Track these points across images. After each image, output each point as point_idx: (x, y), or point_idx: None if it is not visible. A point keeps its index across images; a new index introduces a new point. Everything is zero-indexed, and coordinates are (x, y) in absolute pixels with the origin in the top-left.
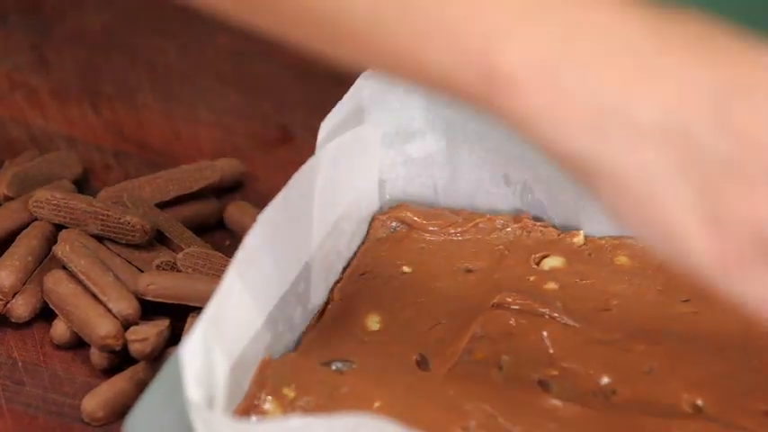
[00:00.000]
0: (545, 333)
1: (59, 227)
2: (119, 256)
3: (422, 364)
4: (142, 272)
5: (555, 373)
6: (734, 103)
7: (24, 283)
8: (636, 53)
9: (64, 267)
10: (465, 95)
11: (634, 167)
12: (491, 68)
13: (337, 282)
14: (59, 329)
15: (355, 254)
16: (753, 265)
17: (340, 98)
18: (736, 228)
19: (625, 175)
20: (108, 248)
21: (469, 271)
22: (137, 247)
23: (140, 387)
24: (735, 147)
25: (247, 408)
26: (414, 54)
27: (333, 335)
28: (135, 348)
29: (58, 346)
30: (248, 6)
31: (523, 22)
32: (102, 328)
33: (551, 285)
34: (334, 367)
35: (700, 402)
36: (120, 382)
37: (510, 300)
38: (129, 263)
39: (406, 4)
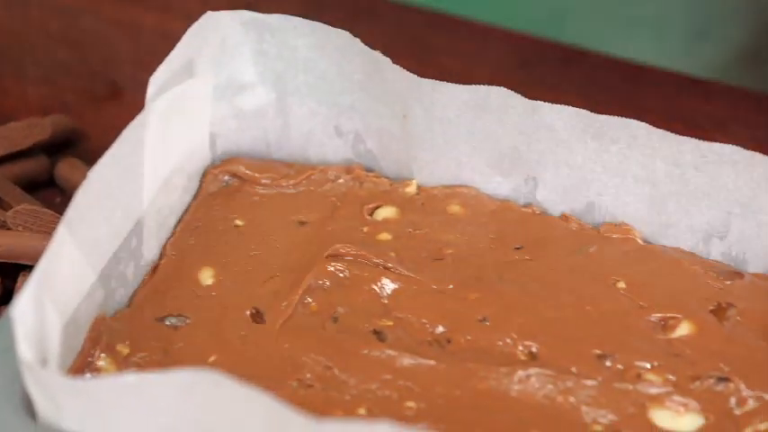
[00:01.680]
0: (379, 284)
1: None
2: None
3: (256, 317)
4: None
5: (389, 323)
6: None
7: None
8: None
9: None
10: None
11: None
12: None
13: (170, 237)
14: None
15: (188, 208)
16: None
17: (169, 53)
18: None
19: None
20: None
21: (303, 223)
22: None
23: None
24: None
25: (81, 365)
26: None
27: (166, 290)
28: None
29: None
30: None
31: None
32: None
33: (385, 236)
34: (168, 323)
35: (534, 349)
36: None
37: (344, 251)
38: None
39: None
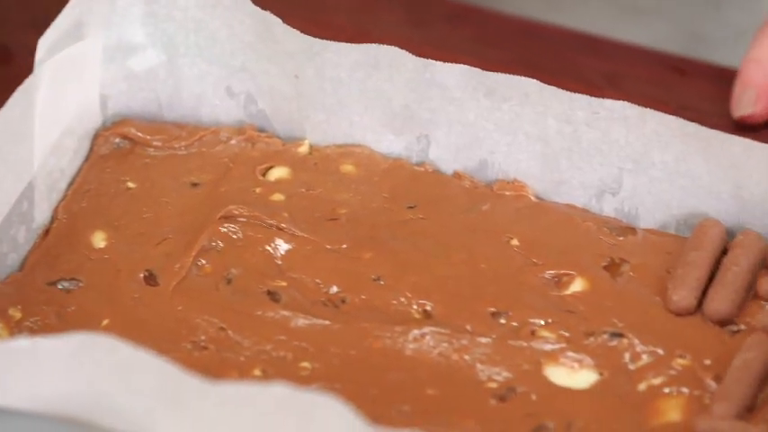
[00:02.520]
0: (273, 244)
1: None
2: None
3: (150, 279)
4: None
5: (284, 283)
6: None
7: None
8: None
9: None
10: None
11: None
12: None
13: (62, 200)
14: None
15: (79, 171)
16: None
17: (58, 15)
18: None
19: None
20: None
21: (195, 185)
22: None
23: None
24: None
25: None
26: None
27: (58, 254)
28: None
29: None
30: None
31: None
32: None
33: (278, 196)
34: (60, 286)
35: (429, 307)
36: None
37: (237, 212)
38: None
39: None
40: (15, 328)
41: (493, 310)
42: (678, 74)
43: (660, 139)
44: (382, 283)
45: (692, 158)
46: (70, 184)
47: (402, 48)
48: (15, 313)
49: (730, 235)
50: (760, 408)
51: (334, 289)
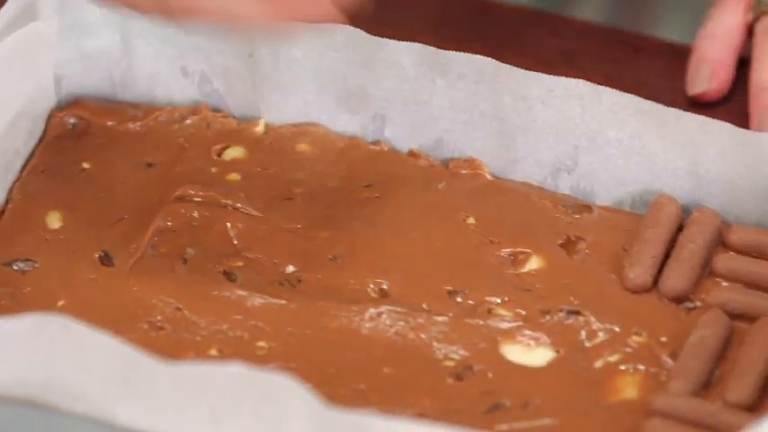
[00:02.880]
0: (229, 224)
1: None
2: None
3: (105, 260)
4: None
5: (240, 263)
6: None
7: None
8: None
9: None
10: None
11: None
12: None
13: (16, 181)
14: None
15: (34, 152)
16: None
17: None
18: None
19: None
20: None
21: (150, 165)
22: None
23: None
24: None
25: None
26: None
27: (13, 235)
28: None
29: None
30: None
31: None
32: None
33: (233, 176)
34: (15, 267)
35: (385, 286)
36: None
37: (192, 192)
38: None
39: None
40: None
41: (449, 288)
42: (633, 51)
43: (615, 117)
44: (338, 262)
45: (648, 136)
46: (25, 165)
47: (357, 27)
48: None
49: (686, 212)
50: (716, 384)
51: (291, 268)
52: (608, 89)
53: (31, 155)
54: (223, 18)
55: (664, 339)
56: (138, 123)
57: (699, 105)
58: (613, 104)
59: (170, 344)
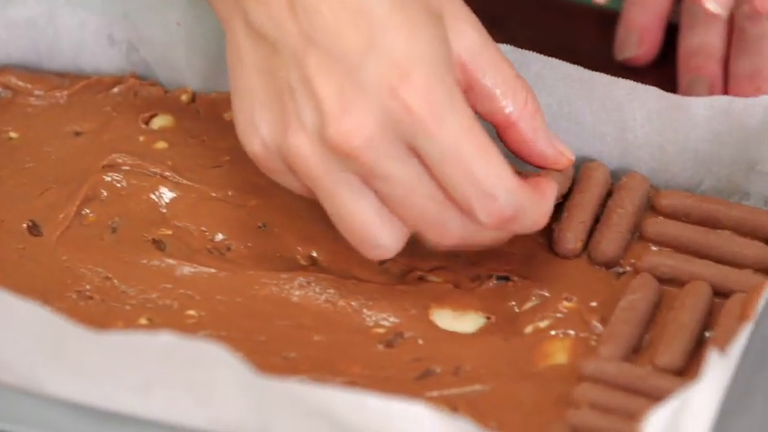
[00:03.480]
0: (157, 193)
1: None
2: None
3: (33, 230)
4: None
5: (169, 232)
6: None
7: None
8: None
9: None
10: None
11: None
12: None
13: None
14: None
15: None
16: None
17: None
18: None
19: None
20: None
21: (78, 134)
22: None
23: None
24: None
25: None
26: None
27: None
28: None
29: None
30: None
31: None
32: None
33: (161, 144)
34: None
35: (315, 254)
36: None
37: (120, 161)
38: None
39: None
40: None
41: None
42: (561, 16)
43: (544, 83)
44: (267, 230)
45: (576, 101)
46: None
47: None
48: None
49: (615, 177)
50: (646, 349)
51: (220, 237)
52: (536, 55)
53: None
54: (465, 245)
55: (594, 304)
56: (65, 92)
57: (627, 70)
58: (541, 69)
59: (99, 313)
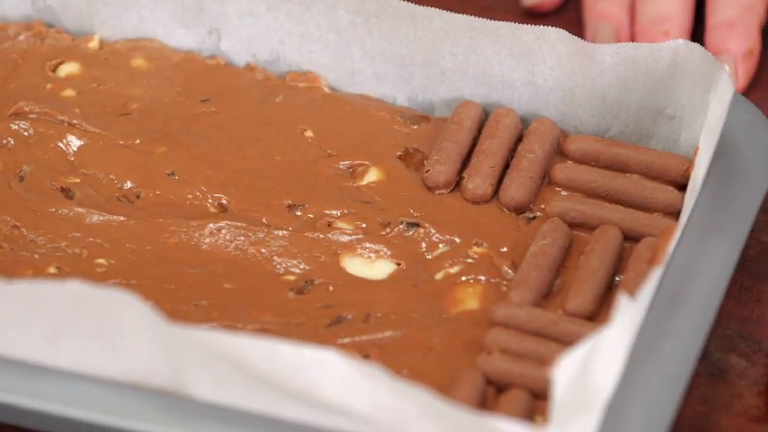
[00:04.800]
0: (65, 141)
1: None
2: None
3: None
4: None
5: (77, 180)
6: None
7: None
8: None
9: None
10: None
11: None
12: None
13: None
14: None
15: None
16: None
17: None
18: None
19: None
20: None
21: None
22: None
23: None
24: None
25: None
26: None
27: None
28: None
29: None
30: None
31: None
32: None
33: (69, 92)
34: None
35: (224, 201)
36: None
37: (27, 109)
38: None
39: None
40: None
41: (289, 202)
42: None
43: (448, 36)
44: (177, 177)
45: (482, 50)
46: None
47: None
48: None
49: (525, 123)
50: (556, 294)
51: (129, 184)
52: (438, 11)
53: None
54: None
55: (504, 250)
56: None
57: (534, 16)
58: (444, 24)
59: (7, 262)
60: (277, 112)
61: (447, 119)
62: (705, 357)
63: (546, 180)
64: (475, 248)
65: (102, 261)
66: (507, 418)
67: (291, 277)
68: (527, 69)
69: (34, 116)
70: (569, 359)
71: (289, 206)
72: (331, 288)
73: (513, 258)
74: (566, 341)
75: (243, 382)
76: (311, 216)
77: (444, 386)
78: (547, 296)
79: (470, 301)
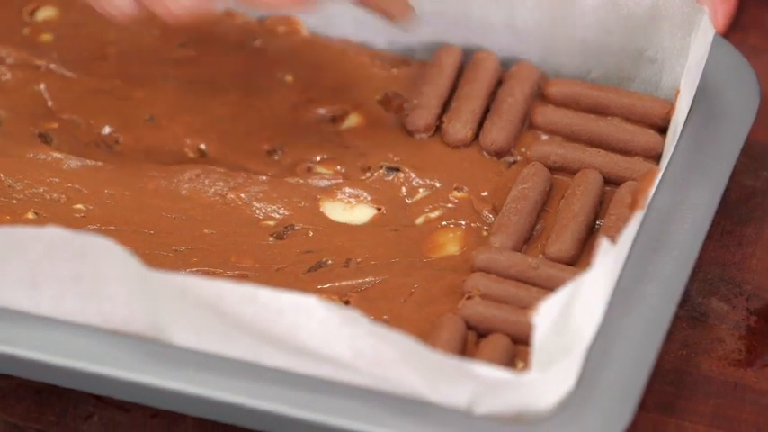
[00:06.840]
0: (43, 85)
1: None
2: None
3: None
4: None
5: (55, 125)
6: None
7: None
8: None
9: None
10: None
11: None
12: None
13: None
14: None
15: None
16: None
17: None
18: None
19: None
20: None
21: None
22: None
23: None
24: None
25: None
26: None
27: None
28: None
29: None
30: None
31: None
32: None
33: (46, 37)
34: None
35: (203, 147)
36: None
37: (5, 53)
38: None
39: None
40: None
41: (268, 147)
42: None
43: None
44: (155, 122)
45: None
46: None
47: None
48: None
49: (505, 66)
50: (537, 238)
51: (107, 129)
52: None
53: None
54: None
55: (485, 194)
56: None
57: None
58: None
59: None
60: (256, 57)
61: (427, 62)
62: (686, 301)
63: (526, 124)
64: (455, 193)
65: (80, 206)
66: (488, 363)
67: (271, 222)
68: (507, 12)
69: (12, 61)
70: (550, 304)
71: (268, 151)
72: (311, 233)
73: (494, 203)
74: (546, 286)
75: (222, 329)
76: (290, 161)
77: (425, 331)
78: (527, 241)
79: (451, 245)
